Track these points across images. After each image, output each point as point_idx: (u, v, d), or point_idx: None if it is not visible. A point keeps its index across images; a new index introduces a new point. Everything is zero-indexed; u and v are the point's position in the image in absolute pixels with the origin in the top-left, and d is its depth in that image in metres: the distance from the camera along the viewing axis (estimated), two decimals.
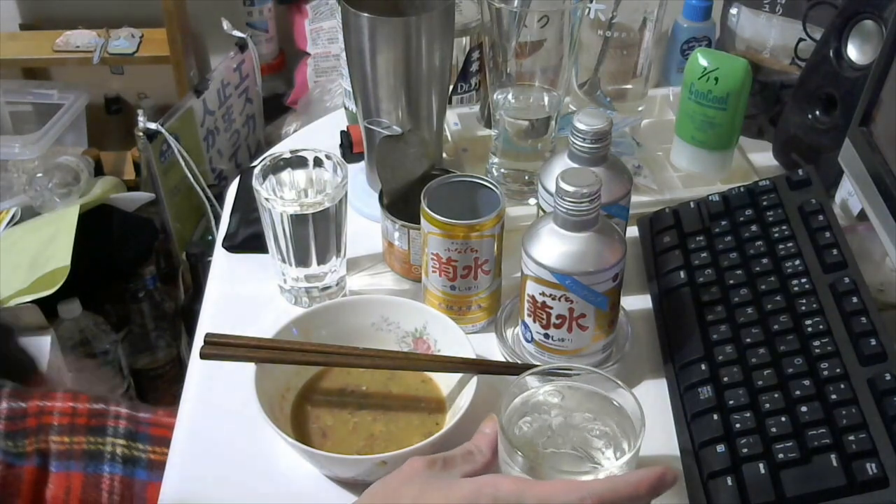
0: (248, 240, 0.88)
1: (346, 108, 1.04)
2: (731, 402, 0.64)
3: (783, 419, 0.61)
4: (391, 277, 0.85)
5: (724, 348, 0.69)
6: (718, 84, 0.87)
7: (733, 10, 1.02)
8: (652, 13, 0.97)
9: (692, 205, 0.83)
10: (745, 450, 0.61)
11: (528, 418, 0.60)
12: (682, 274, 0.77)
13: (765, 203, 0.80)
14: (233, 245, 0.89)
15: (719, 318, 0.72)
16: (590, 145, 0.72)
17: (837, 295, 0.69)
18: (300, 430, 0.68)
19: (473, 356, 0.69)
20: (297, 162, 0.79)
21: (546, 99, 0.88)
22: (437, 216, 0.73)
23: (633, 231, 0.85)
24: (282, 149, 0.88)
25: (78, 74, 2.02)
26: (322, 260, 0.79)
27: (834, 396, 0.61)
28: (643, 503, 0.53)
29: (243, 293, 0.84)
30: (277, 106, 2.00)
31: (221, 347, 0.68)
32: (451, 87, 0.96)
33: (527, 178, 0.91)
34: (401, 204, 0.81)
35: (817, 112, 0.89)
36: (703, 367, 0.68)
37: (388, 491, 0.55)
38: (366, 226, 0.89)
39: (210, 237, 1.68)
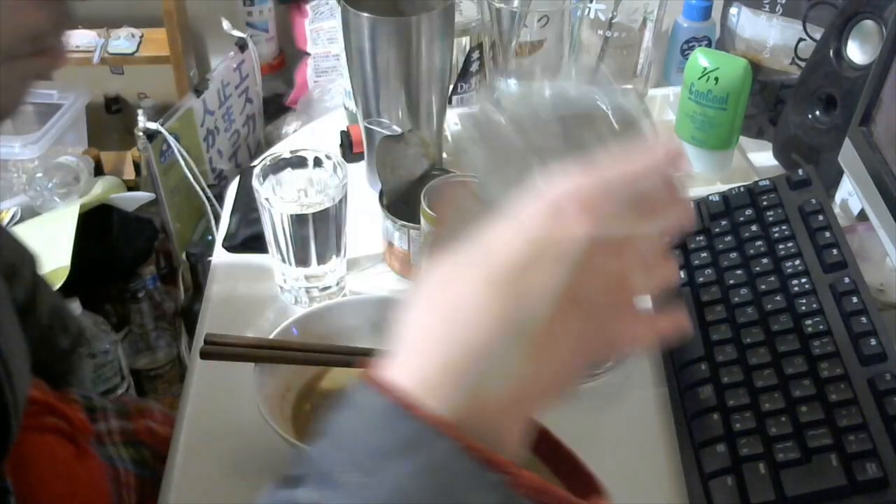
0: (248, 240, 0.88)
1: (346, 108, 1.04)
2: (731, 402, 0.64)
3: (783, 419, 0.61)
4: (391, 277, 0.85)
5: (724, 348, 0.68)
6: (718, 84, 0.87)
7: (733, 10, 1.02)
8: (652, 13, 0.97)
9: (692, 205, 0.83)
10: (745, 450, 0.61)
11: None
12: (682, 274, 0.77)
13: (765, 203, 0.80)
14: (233, 245, 0.89)
15: (719, 318, 0.71)
16: None
17: (837, 295, 0.69)
18: (301, 430, 0.68)
19: None
20: (297, 162, 0.79)
21: None
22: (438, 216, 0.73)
23: None
24: (282, 149, 0.88)
25: (78, 74, 2.02)
26: (322, 260, 0.79)
27: (834, 397, 0.61)
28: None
29: (243, 293, 0.84)
30: (277, 106, 2.00)
31: (221, 347, 0.68)
32: (451, 87, 0.96)
33: None
34: (401, 204, 0.81)
35: (817, 112, 0.89)
36: (703, 367, 0.68)
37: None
38: (366, 226, 0.89)
39: (210, 237, 1.68)
